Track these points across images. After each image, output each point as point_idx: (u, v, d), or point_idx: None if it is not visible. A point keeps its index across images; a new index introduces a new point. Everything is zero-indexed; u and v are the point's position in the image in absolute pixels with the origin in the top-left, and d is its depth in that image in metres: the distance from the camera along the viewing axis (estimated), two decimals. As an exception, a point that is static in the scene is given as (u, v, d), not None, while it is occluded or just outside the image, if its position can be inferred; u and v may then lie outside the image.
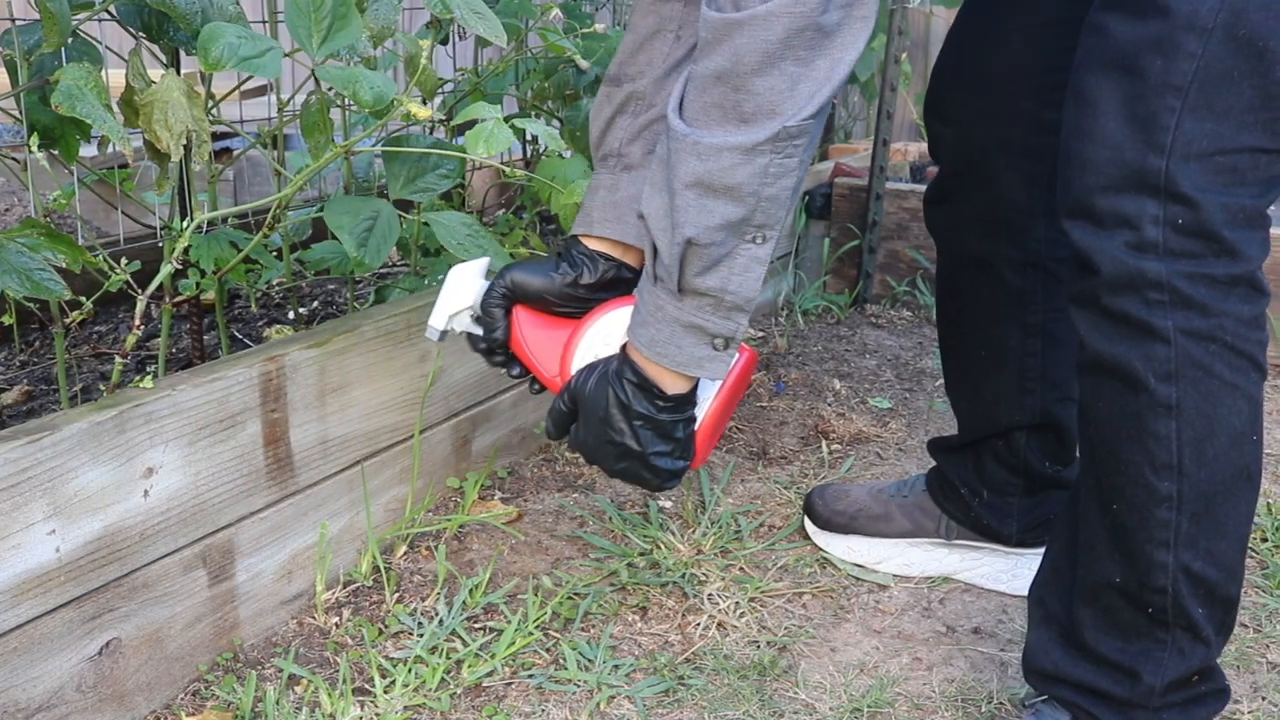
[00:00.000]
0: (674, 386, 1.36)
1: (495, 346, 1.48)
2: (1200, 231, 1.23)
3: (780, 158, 1.22)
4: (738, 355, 1.41)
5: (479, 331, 1.49)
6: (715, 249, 1.26)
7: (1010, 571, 1.86)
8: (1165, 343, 1.26)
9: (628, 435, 1.38)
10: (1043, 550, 1.77)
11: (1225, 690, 1.40)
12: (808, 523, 1.97)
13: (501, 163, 1.84)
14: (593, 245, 1.47)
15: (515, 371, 1.50)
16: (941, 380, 2.60)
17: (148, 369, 2.10)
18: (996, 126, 1.66)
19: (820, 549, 1.95)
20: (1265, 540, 1.98)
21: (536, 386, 1.50)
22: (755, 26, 1.17)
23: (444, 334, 1.51)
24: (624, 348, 1.38)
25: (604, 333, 1.43)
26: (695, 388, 1.39)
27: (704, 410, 1.42)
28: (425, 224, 1.79)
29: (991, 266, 1.71)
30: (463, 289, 1.49)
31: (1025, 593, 1.80)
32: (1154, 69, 1.22)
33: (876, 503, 1.93)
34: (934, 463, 1.92)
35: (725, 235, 1.25)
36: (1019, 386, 1.74)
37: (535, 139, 2.72)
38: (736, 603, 1.78)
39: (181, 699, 1.53)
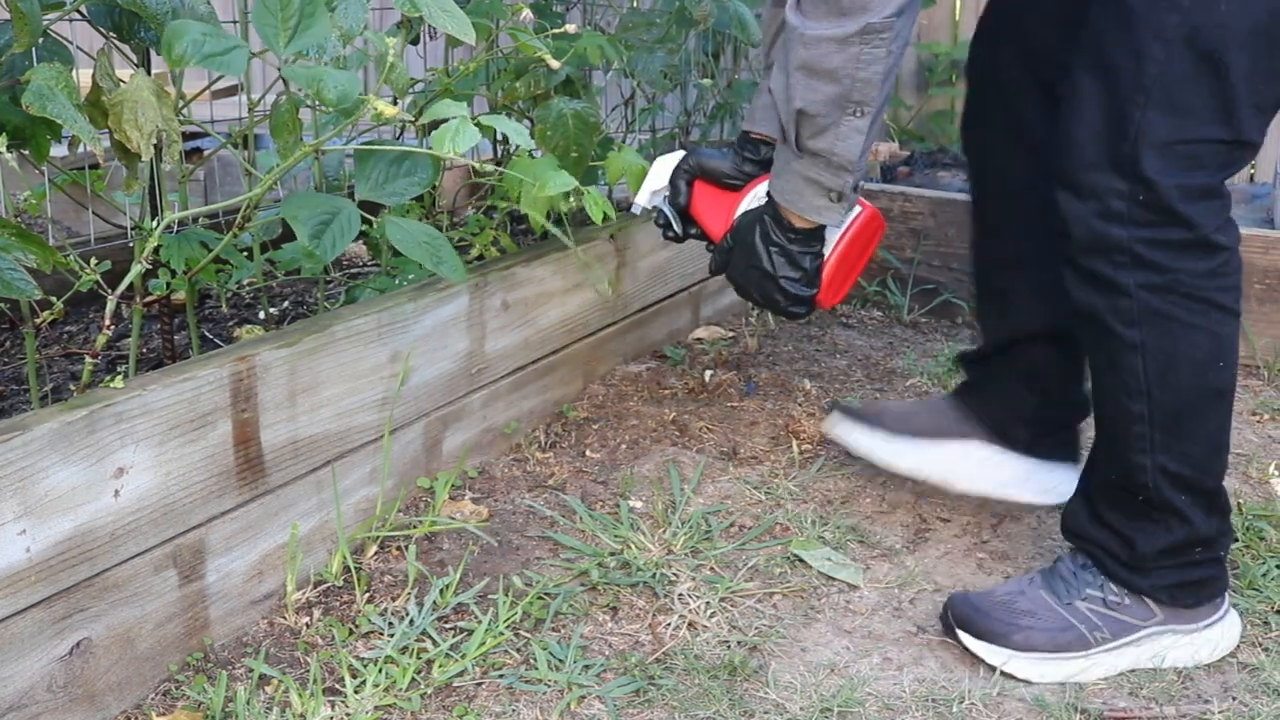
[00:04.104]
0: (800, 224, 1.75)
1: (679, 210, 1.93)
2: (1157, 206, 1.49)
3: (869, 48, 1.52)
4: (859, 209, 1.82)
5: (667, 210, 1.94)
6: (821, 119, 1.59)
7: (1026, 476, 1.99)
8: (1128, 296, 1.53)
9: (765, 259, 1.78)
10: (1051, 462, 2.01)
11: (1223, 580, 1.68)
12: (838, 417, 2.10)
13: (472, 161, 1.85)
14: (756, 136, 1.89)
15: (692, 231, 1.94)
16: (912, 380, 2.62)
17: (118, 369, 2.09)
18: (1019, 51, 1.84)
19: (839, 439, 2.10)
20: (1235, 540, 1.99)
21: (709, 244, 1.92)
22: None
23: (644, 209, 2.00)
24: (768, 194, 1.77)
25: (758, 196, 1.83)
26: (821, 229, 1.78)
27: (828, 250, 1.82)
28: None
29: (1015, 178, 1.89)
30: (661, 175, 1.96)
31: (1032, 499, 2.00)
32: (1127, 70, 1.48)
33: (900, 406, 2.12)
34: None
35: (829, 108, 1.58)
36: (1039, 294, 1.90)
37: (505, 139, 2.72)
38: (707, 603, 1.79)
39: (152, 699, 1.53)
